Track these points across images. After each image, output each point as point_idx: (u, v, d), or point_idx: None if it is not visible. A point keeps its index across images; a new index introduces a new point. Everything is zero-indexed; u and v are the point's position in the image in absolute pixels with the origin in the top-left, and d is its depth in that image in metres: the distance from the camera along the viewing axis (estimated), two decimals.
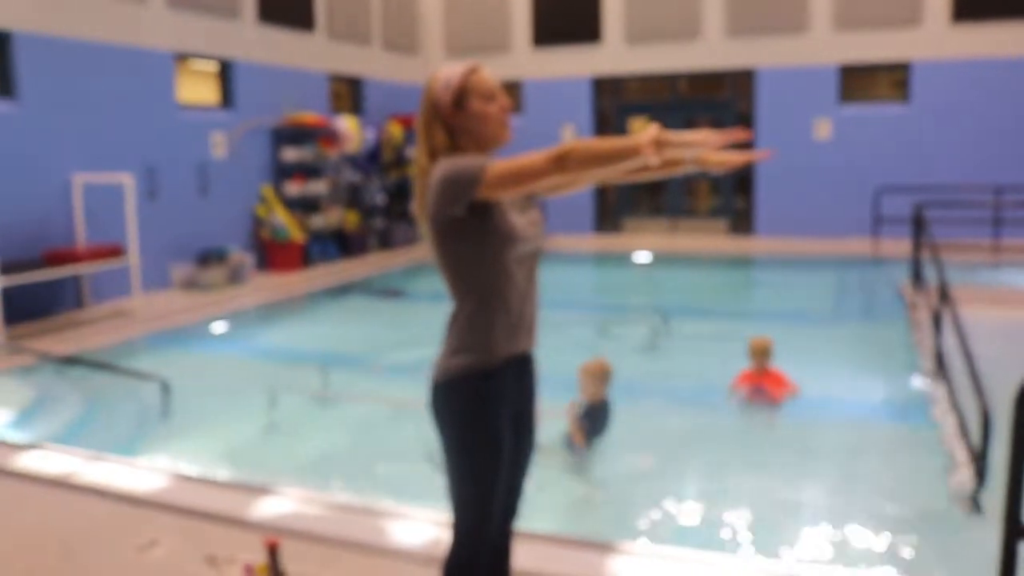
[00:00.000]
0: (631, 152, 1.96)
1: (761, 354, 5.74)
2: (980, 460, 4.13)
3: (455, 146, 2.28)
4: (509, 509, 2.50)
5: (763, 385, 5.73)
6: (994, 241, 11.78)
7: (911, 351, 7.06)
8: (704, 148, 1.96)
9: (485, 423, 2.26)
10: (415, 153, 2.35)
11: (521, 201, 2.34)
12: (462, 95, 2.28)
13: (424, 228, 2.29)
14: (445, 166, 2.19)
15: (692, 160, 2.11)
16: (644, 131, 1.96)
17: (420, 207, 2.30)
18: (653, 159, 1.93)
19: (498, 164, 2.12)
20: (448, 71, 2.31)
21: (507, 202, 2.25)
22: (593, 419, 4.92)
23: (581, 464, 4.89)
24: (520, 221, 2.27)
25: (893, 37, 13.21)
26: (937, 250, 6.79)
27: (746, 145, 2.15)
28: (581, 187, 2.45)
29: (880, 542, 4.00)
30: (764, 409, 5.72)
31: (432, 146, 2.29)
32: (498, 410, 2.28)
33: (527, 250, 2.29)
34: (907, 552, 3.86)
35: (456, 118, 2.28)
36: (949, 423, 5.09)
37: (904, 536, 3.99)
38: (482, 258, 2.22)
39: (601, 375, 4.92)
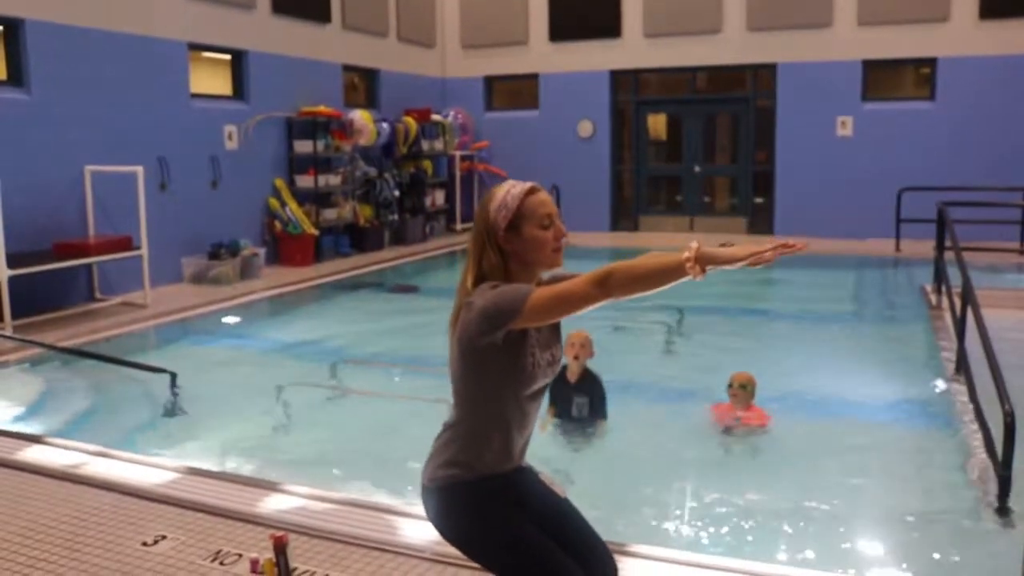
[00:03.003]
0: (674, 271, 1.93)
1: (743, 391, 5.35)
2: (1004, 465, 4.07)
3: (506, 268, 2.22)
4: (601, 565, 2.37)
5: (739, 415, 5.39)
6: (1021, 243, 11.54)
7: (933, 353, 6.95)
8: (747, 263, 1.91)
9: (490, 515, 2.23)
10: (462, 271, 2.28)
11: (548, 334, 2.30)
12: (518, 219, 2.21)
13: (452, 342, 2.25)
14: (488, 297, 2.13)
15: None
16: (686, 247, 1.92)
17: (453, 320, 2.25)
18: (698, 277, 1.91)
19: (540, 293, 2.07)
20: (503, 192, 2.24)
21: (535, 337, 2.22)
22: (591, 392, 5.11)
23: (591, 456, 4.88)
24: (542, 359, 2.24)
25: (919, 33, 13.01)
26: (961, 251, 6.64)
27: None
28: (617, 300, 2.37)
29: (900, 548, 3.95)
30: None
31: (481, 267, 2.22)
32: (495, 501, 2.24)
33: (539, 387, 2.28)
34: (929, 558, 3.80)
35: (509, 243, 2.22)
36: (971, 428, 5.01)
37: (925, 542, 3.94)
38: (497, 389, 2.20)
39: (584, 344, 5.11)
